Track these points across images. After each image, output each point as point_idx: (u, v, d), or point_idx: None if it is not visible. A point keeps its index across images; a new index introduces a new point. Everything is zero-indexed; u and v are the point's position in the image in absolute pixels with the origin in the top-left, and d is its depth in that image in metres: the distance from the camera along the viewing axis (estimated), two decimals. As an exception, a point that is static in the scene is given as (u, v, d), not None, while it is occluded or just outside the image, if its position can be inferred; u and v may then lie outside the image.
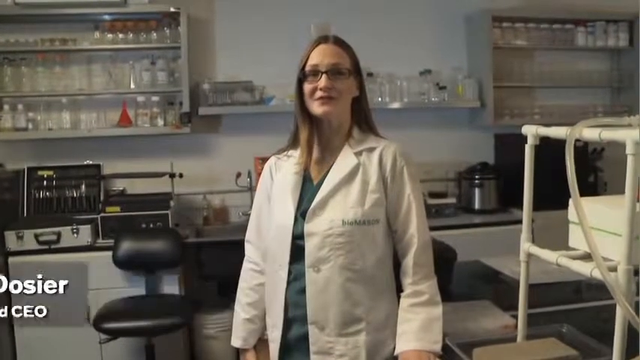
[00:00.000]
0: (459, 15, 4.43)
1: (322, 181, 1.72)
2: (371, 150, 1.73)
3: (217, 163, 4.06)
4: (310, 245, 1.68)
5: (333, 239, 1.66)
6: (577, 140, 4.60)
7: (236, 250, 3.57)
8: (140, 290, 3.40)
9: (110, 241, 3.44)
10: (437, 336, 1.63)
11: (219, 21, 4.05)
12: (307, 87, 1.71)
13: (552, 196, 4.06)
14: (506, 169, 4.21)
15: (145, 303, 3.32)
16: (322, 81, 1.66)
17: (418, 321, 1.64)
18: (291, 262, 1.71)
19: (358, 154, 1.72)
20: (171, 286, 3.49)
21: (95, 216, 3.52)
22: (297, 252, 1.70)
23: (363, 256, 1.68)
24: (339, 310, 1.66)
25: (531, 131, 1.69)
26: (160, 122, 3.80)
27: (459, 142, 4.50)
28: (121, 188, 3.85)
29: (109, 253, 3.38)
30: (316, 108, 1.69)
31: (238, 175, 3.96)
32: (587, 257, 1.51)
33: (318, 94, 1.67)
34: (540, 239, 3.88)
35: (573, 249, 1.56)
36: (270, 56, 4.02)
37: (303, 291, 1.69)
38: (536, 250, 1.67)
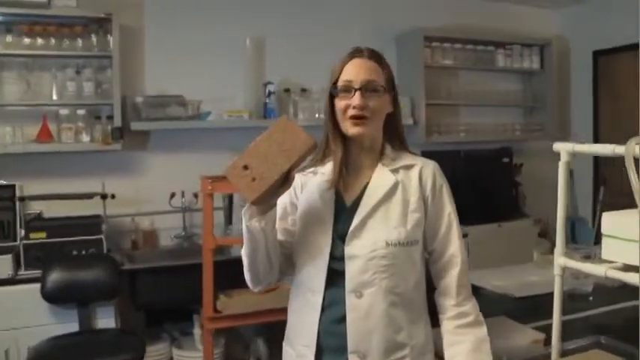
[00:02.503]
0: (390, 34, 4.47)
1: (358, 201, 1.60)
2: (408, 168, 1.64)
3: (147, 182, 3.75)
4: (352, 269, 1.55)
5: (377, 262, 1.54)
6: (504, 156, 4.74)
7: (174, 276, 3.36)
8: (72, 326, 3.01)
9: (36, 272, 3.02)
10: (487, 356, 1.56)
11: (150, 30, 3.76)
12: (339, 103, 1.58)
13: (478, 211, 4.23)
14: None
15: (85, 342, 2.94)
16: (356, 99, 1.54)
17: (468, 343, 1.56)
18: (326, 288, 1.57)
19: (395, 171, 1.62)
20: (106, 320, 3.14)
21: (14, 244, 3.10)
22: (333, 276, 1.57)
23: (405, 279, 1.58)
24: (383, 338, 1.54)
25: (566, 148, 1.68)
26: (86, 138, 3.44)
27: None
28: (38, 211, 3.42)
29: (35, 286, 2.97)
30: (349, 128, 1.57)
31: (172, 195, 3.68)
32: (627, 269, 1.51)
33: (351, 112, 1.55)
34: (476, 253, 3.96)
35: None
36: (205, 69, 3.83)
37: (340, 318, 1.55)
38: (575, 264, 1.66)
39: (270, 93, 3.90)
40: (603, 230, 1.58)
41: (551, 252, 2.98)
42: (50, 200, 3.32)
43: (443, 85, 4.54)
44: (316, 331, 1.57)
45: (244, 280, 3.29)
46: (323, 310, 1.57)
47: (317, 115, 4.05)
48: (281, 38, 4.06)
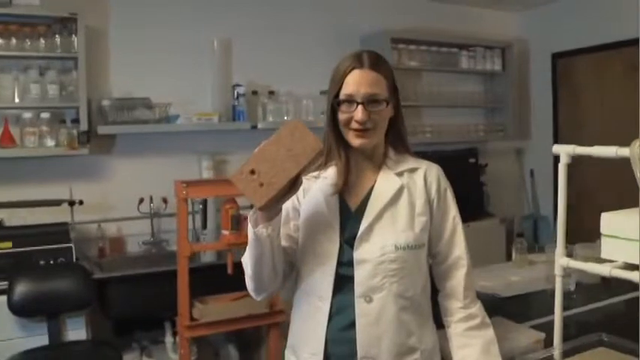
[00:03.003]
0: (354, 36, 4.47)
1: (364, 205, 1.59)
2: (413, 171, 1.63)
3: (113, 187, 3.62)
4: (361, 274, 1.53)
5: (386, 266, 1.53)
6: (470, 157, 4.80)
7: (146, 283, 3.26)
8: (42, 339, 2.87)
9: (2, 284, 2.87)
10: (497, 358, 1.57)
11: (115, 31, 3.63)
12: (342, 116, 1.56)
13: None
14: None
15: (59, 356, 2.81)
16: (358, 113, 1.51)
17: (477, 345, 1.56)
18: (334, 294, 1.55)
19: (399, 175, 1.61)
20: (77, 331, 3.01)
21: (-24, 254, 2.94)
22: (341, 282, 1.55)
23: (414, 283, 1.58)
24: (394, 342, 1.53)
25: (566, 150, 1.70)
26: (51, 142, 3.30)
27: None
28: (-2, 219, 3.27)
29: (1, 299, 2.83)
30: (352, 139, 1.55)
31: (141, 200, 3.58)
32: (629, 267, 1.53)
33: (354, 125, 1.53)
34: None
35: None
36: (171, 71, 3.74)
37: (348, 325, 1.53)
38: (577, 264, 1.69)
39: (239, 95, 3.84)
40: (603, 230, 1.60)
41: (528, 251, 3.07)
42: (13, 208, 3.17)
43: (409, 87, 4.57)
44: (324, 339, 1.55)
45: (216, 286, 3.24)
46: (331, 316, 1.55)
47: (285, 118, 4.02)
48: (247, 40, 4.02)
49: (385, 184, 1.60)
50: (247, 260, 1.55)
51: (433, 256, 1.64)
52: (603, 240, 1.60)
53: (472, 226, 4.35)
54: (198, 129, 3.69)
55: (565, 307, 2.30)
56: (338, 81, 1.57)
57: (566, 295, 2.49)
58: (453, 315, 1.61)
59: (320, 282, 1.57)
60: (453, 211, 1.64)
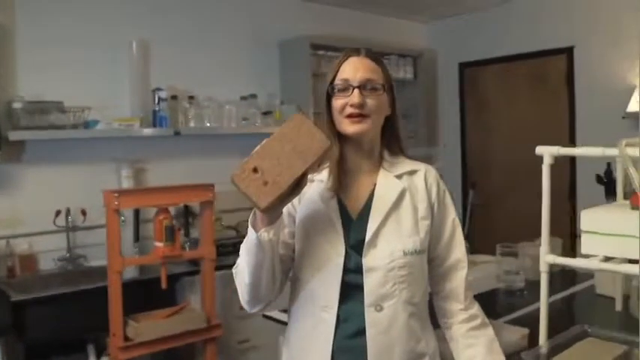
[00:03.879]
0: (273, 40, 4.41)
1: (367, 209, 1.53)
2: (412, 173, 1.59)
3: (24, 199, 3.28)
4: (371, 281, 1.47)
5: (396, 272, 1.48)
6: None
7: (67, 303, 2.98)
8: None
9: None
10: (500, 355, 1.57)
11: (23, 29, 3.31)
12: (337, 103, 1.51)
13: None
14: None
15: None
16: (354, 97, 1.47)
17: (482, 344, 1.55)
18: (340, 303, 1.48)
19: (399, 177, 1.57)
20: (-9, 361, 2.71)
21: None
22: (347, 290, 1.48)
23: (420, 288, 1.55)
24: (405, 350, 1.49)
25: (549, 151, 1.74)
26: (-48, 150, 2.94)
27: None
28: None
29: None
30: (347, 126, 1.50)
31: (57, 213, 3.28)
32: (607, 261, 1.61)
33: (349, 110, 1.48)
34: None
35: None
36: (86, 74, 3.48)
37: (355, 333, 1.47)
38: (564, 260, 1.74)
39: (160, 100, 3.64)
40: (583, 227, 1.66)
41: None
42: None
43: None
44: (330, 350, 1.48)
45: (143, 302, 3.04)
46: (337, 326, 1.48)
47: (207, 124, 3.87)
48: (166, 42, 3.83)
49: (386, 187, 1.55)
50: (244, 268, 1.45)
51: (431, 259, 1.60)
52: (584, 236, 1.66)
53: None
54: (118, 135, 3.45)
55: (519, 305, 2.41)
56: (334, 69, 1.54)
57: (517, 293, 2.60)
58: (454, 316, 1.59)
59: (324, 291, 1.49)
60: (452, 213, 1.62)
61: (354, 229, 1.52)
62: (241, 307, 1.58)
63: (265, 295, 1.49)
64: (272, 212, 1.36)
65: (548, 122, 4.63)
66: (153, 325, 2.87)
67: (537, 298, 2.43)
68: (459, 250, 1.61)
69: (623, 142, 1.59)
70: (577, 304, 2.52)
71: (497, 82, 5.02)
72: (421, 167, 1.61)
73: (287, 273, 1.57)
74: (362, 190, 1.56)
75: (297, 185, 1.37)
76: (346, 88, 1.49)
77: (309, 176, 1.55)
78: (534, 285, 2.61)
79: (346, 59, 1.54)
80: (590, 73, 4.38)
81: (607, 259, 1.61)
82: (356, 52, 1.55)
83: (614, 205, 1.81)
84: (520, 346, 1.87)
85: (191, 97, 3.85)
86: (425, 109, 5.13)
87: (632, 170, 1.50)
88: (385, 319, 1.47)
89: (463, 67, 5.24)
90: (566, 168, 4.48)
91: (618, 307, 2.25)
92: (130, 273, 3.26)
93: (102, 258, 3.31)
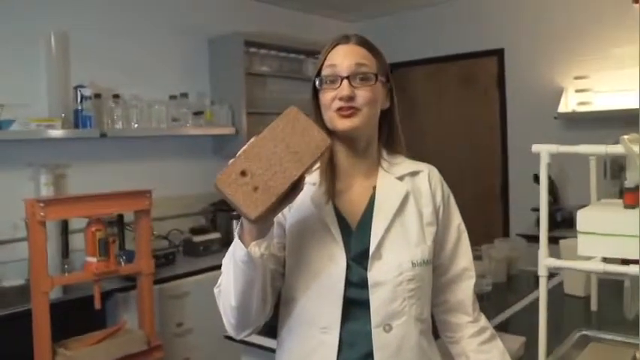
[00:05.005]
0: (203, 36, 4.15)
1: (368, 215, 1.35)
2: (414, 175, 1.42)
3: None
4: (378, 298, 1.29)
5: (405, 286, 1.31)
6: None
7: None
8: None
9: None
10: None
11: None
12: (325, 96, 1.33)
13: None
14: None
15: None
16: (343, 88, 1.29)
17: (496, 357, 1.42)
18: (342, 323, 1.29)
19: (400, 179, 1.40)
20: None
21: None
22: (350, 308, 1.30)
23: (428, 302, 1.39)
24: None
25: (548, 149, 1.65)
26: None
27: (204, 172, 4.18)
28: None
29: None
30: (337, 123, 1.31)
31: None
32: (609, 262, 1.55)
33: (338, 104, 1.30)
34: None
35: None
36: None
37: (361, 357, 1.29)
38: (563, 263, 1.66)
39: (83, 98, 3.28)
40: (579, 227, 1.59)
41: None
42: None
43: (257, 93, 4.36)
44: None
45: (70, 326, 2.71)
46: (340, 350, 1.29)
47: (134, 125, 3.55)
48: (88, 35, 3.48)
49: (388, 189, 1.37)
50: (230, 289, 1.23)
51: (434, 268, 1.43)
52: (580, 237, 1.59)
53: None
54: (34, 137, 3.06)
55: (493, 310, 2.32)
56: (321, 59, 1.36)
57: (485, 297, 2.52)
58: (463, 330, 1.44)
59: (324, 309, 1.30)
60: (457, 218, 1.47)
61: (355, 239, 1.34)
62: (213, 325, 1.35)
63: (255, 318, 1.28)
64: (263, 223, 1.17)
65: (479, 123, 4.66)
66: (88, 352, 2.54)
67: (507, 302, 2.40)
68: (465, 257, 1.46)
69: (625, 138, 1.51)
70: (550, 306, 2.47)
71: (428, 83, 5.01)
72: (424, 168, 1.45)
73: (277, 292, 1.37)
74: (359, 193, 1.38)
75: (292, 191, 1.18)
76: (334, 79, 1.31)
77: None
78: (500, 288, 2.58)
79: (334, 47, 1.36)
80: (520, 74, 4.45)
81: (607, 260, 1.55)
82: (345, 39, 1.37)
83: (604, 204, 1.75)
84: (518, 355, 1.76)
85: (116, 96, 3.51)
86: (355, 110, 5.03)
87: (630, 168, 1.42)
88: (395, 341, 1.30)
89: (393, 67, 5.17)
90: (497, 169, 4.53)
91: (594, 307, 2.22)
92: (53, 293, 2.90)
93: (16, 277, 2.95)
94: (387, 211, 1.35)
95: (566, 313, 2.34)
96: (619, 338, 1.68)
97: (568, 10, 4.18)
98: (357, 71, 1.31)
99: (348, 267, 1.30)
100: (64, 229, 2.71)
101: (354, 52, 1.34)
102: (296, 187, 1.18)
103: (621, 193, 1.80)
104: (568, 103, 4.10)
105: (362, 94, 1.30)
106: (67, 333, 2.66)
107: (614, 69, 3.80)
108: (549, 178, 4.48)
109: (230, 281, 1.23)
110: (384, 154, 1.43)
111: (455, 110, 4.81)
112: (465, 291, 1.45)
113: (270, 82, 4.55)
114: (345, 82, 1.30)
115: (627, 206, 1.63)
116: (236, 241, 1.19)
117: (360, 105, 1.30)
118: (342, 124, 1.30)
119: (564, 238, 2.40)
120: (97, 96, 3.41)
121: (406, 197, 1.37)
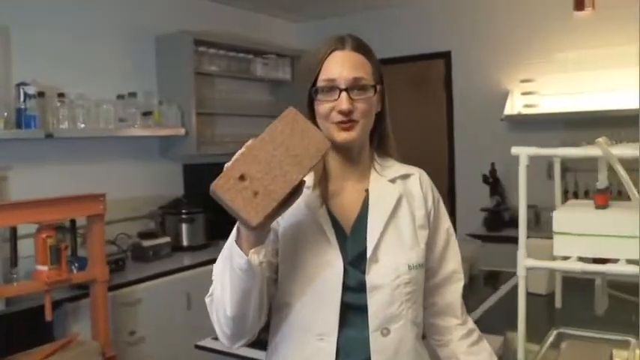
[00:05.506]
0: (150, 34, 4.02)
1: (362, 219, 1.33)
2: (405, 177, 1.41)
3: None
4: (376, 302, 1.28)
5: (402, 290, 1.30)
6: None
7: None
8: None
9: None
10: None
11: None
12: (322, 107, 1.29)
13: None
14: (206, 201, 3.98)
15: None
16: (342, 102, 1.26)
17: (486, 359, 1.43)
18: (340, 328, 1.27)
19: (392, 181, 1.39)
20: None
21: None
22: (347, 313, 1.28)
23: (421, 305, 1.39)
24: None
25: (526, 152, 1.68)
26: None
27: (151, 174, 4.05)
28: None
29: None
30: (335, 135, 1.28)
31: None
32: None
33: (337, 117, 1.27)
34: None
35: None
36: None
37: None
38: (541, 263, 1.70)
39: (27, 97, 3.10)
40: (555, 228, 1.64)
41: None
42: None
43: (206, 93, 4.26)
44: None
45: (16, 340, 2.55)
46: (337, 357, 1.26)
47: (82, 125, 3.39)
48: (30, 31, 3.29)
49: (381, 192, 1.36)
50: (226, 298, 1.18)
51: (425, 271, 1.41)
52: (556, 237, 1.64)
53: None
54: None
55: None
56: (316, 66, 1.31)
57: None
58: (452, 333, 1.44)
59: (320, 315, 1.27)
60: (446, 221, 1.47)
61: (350, 242, 1.31)
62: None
63: (251, 327, 1.24)
64: (262, 229, 1.13)
65: (428, 125, 4.73)
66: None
67: (474, 303, 2.42)
68: (454, 260, 1.46)
69: (602, 141, 1.55)
70: (513, 304, 2.51)
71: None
72: (415, 171, 1.44)
73: (272, 299, 1.33)
74: (352, 196, 1.36)
75: (292, 195, 1.14)
76: (332, 89, 1.28)
77: None
78: (464, 289, 2.60)
79: (330, 54, 1.31)
80: (467, 77, 4.54)
81: (581, 259, 1.60)
82: (340, 43, 1.32)
83: (575, 205, 1.80)
84: (498, 355, 1.78)
85: (61, 95, 3.34)
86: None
87: (619, 169, 1.46)
88: (392, 344, 1.28)
89: (339, 69, 5.18)
90: (444, 170, 4.61)
91: (558, 304, 2.28)
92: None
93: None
94: (381, 213, 1.33)
95: (531, 311, 2.38)
96: (595, 335, 1.72)
97: (514, 15, 4.31)
98: (355, 83, 1.28)
99: (345, 271, 1.27)
100: (13, 236, 2.54)
101: (351, 60, 1.30)
102: (296, 191, 1.14)
103: (566, 193, 1.86)
104: (514, 106, 4.22)
105: (360, 107, 1.28)
106: (12, 349, 2.50)
107: (559, 72, 3.93)
108: (497, 178, 4.60)
109: (226, 290, 1.18)
110: (376, 157, 1.41)
111: (405, 112, 4.83)
112: (453, 294, 1.45)
113: (218, 82, 4.46)
114: (344, 94, 1.26)
115: (598, 206, 1.69)
116: (233, 248, 1.14)
117: (358, 117, 1.28)
118: (340, 136, 1.28)
119: (513, 237, 2.47)
120: (41, 94, 3.23)
121: (399, 200, 1.36)
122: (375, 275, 1.28)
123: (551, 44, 4.08)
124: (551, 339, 1.73)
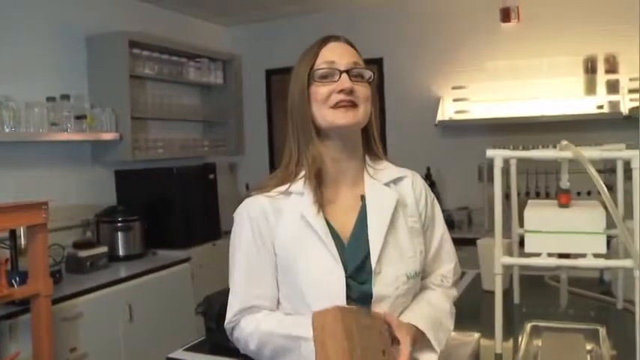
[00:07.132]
0: (79, 34, 3.82)
1: (360, 227, 1.32)
2: (399, 180, 1.41)
3: None
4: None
5: (401, 300, 1.31)
6: (210, 172, 4.74)
7: None
8: None
9: None
10: (442, 341, 1.34)
11: None
12: (320, 91, 1.29)
13: (197, 232, 3.98)
14: (146, 208, 3.85)
15: None
16: (344, 81, 1.28)
17: (436, 312, 1.38)
18: None
19: (387, 185, 1.38)
20: None
21: None
22: None
23: None
24: None
25: (502, 154, 1.74)
26: None
27: (83, 181, 3.86)
28: None
29: None
30: (335, 117, 1.28)
31: None
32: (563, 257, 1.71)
33: (337, 97, 1.28)
34: (203, 276, 3.86)
35: None
36: None
37: None
38: (517, 260, 1.78)
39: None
40: (526, 227, 1.72)
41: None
42: None
43: (139, 97, 4.12)
44: None
45: None
46: None
47: (24, 129, 3.18)
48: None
49: (378, 198, 1.35)
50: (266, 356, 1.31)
51: None
52: (527, 236, 1.71)
53: (217, 244, 4.12)
54: None
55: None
56: (312, 55, 1.32)
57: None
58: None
59: None
60: (441, 227, 1.46)
61: (350, 252, 1.30)
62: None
63: None
64: None
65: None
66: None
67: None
68: (446, 266, 1.46)
69: (564, 144, 1.64)
70: (471, 302, 2.57)
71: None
72: (408, 173, 1.44)
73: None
74: (348, 203, 1.35)
75: None
76: (331, 73, 1.29)
77: (283, 187, 1.33)
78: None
79: (325, 44, 1.34)
80: (399, 83, 4.64)
81: (556, 255, 1.67)
82: (334, 37, 1.36)
83: (539, 204, 1.87)
84: (474, 351, 1.82)
85: (-2, 97, 3.11)
86: (235, 116, 4.94)
87: (591, 170, 1.53)
88: None
89: (270, 73, 5.16)
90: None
91: (516, 300, 2.37)
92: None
93: None
94: (381, 221, 1.32)
95: (491, 308, 2.47)
96: (566, 326, 1.81)
97: (445, 24, 4.46)
98: (355, 67, 1.30)
99: (347, 282, 1.26)
100: (14, 241, 2.34)
101: (347, 49, 1.34)
102: None
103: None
104: (445, 112, 4.37)
105: (361, 90, 1.30)
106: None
107: (490, 81, 4.12)
108: (433, 182, 4.70)
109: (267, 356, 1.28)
110: (367, 159, 1.41)
111: (337, 117, 4.90)
112: (440, 297, 1.43)
113: (150, 86, 4.31)
114: (345, 75, 1.28)
115: (562, 205, 1.77)
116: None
117: (359, 101, 1.29)
118: (343, 118, 1.27)
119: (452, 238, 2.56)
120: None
121: (396, 208, 1.35)
122: (380, 286, 1.28)
123: (482, 53, 4.26)
124: (527, 331, 1.79)
